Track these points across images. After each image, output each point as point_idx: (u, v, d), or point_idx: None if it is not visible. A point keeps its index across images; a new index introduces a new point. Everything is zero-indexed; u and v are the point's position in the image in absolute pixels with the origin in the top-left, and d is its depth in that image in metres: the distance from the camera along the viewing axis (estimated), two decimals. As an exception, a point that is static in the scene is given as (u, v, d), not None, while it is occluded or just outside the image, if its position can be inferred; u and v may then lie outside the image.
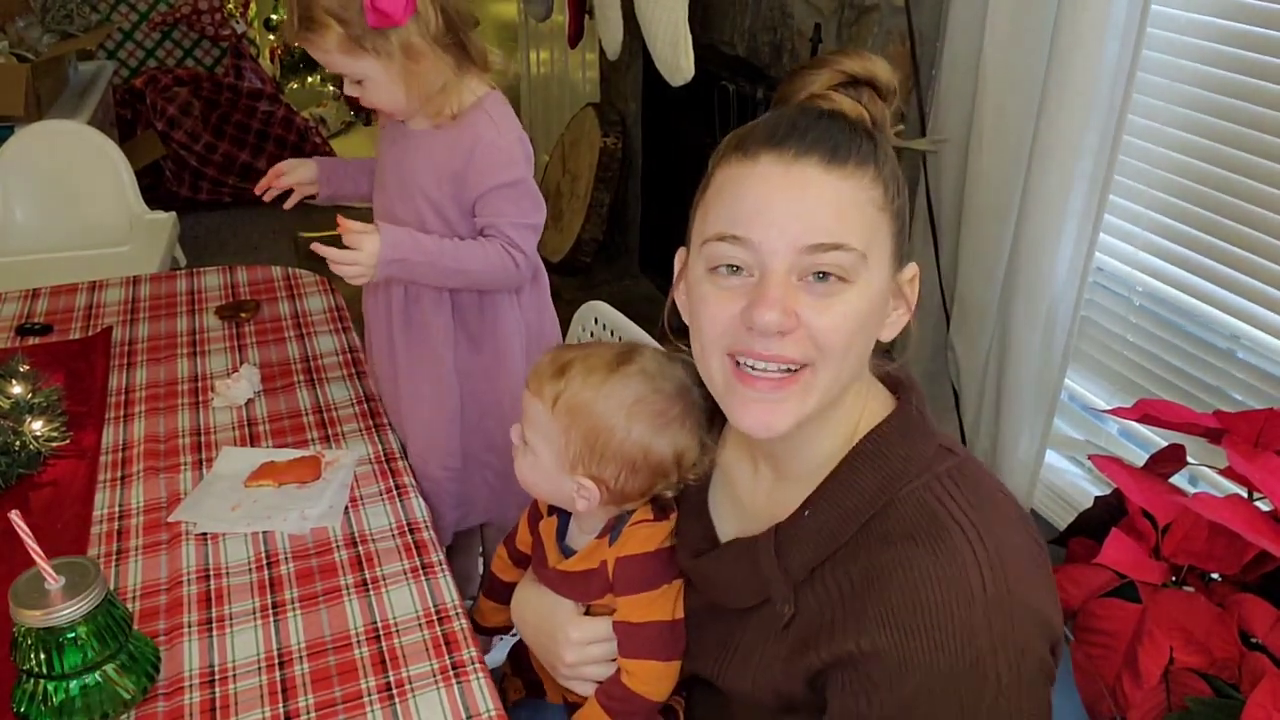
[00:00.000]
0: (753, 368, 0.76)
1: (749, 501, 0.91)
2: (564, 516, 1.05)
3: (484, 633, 1.20)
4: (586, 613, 1.01)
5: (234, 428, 1.47)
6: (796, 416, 0.78)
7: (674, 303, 0.87)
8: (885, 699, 0.74)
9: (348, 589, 1.16)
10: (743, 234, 0.74)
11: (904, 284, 0.81)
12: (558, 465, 0.96)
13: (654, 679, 0.96)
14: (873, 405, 0.84)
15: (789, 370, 0.76)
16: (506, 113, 1.41)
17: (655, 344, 1.56)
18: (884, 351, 0.86)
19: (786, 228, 0.73)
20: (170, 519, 1.27)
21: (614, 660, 0.99)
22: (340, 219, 1.30)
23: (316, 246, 1.29)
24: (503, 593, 1.17)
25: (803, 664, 0.80)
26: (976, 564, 0.73)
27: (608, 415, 0.93)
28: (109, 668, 0.95)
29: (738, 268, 0.76)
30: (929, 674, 0.72)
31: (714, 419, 0.94)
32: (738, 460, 0.93)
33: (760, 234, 0.74)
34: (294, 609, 1.13)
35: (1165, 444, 1.28)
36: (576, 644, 0.99)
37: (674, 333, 0.87)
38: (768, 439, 0.80)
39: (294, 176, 1.55)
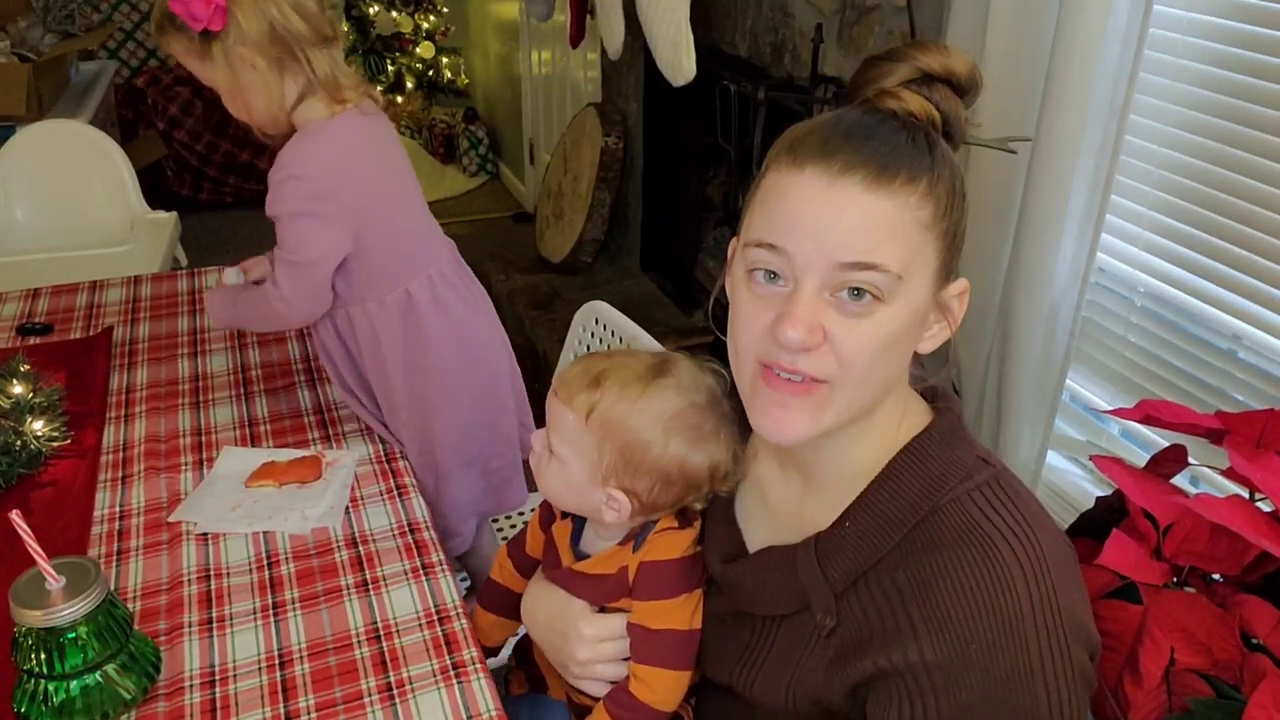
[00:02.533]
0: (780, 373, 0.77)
1: (780, 508, 0.91)
2: (579, 520, 1.04)
3: (487, 653, 1.16)
4: (600, 611, 1.00)
5: (235, 427, 1.47)
6: (811, 428, 0.78)
7: (722, 288, 0.87)
8: (941, 706, 0.73)
9: (348, 589, 1.16)
10: (780, 244, 0.74)
11: (950, 299, 0.79)
12: (589, 477, 0.94)
13: (664, 687, 0.95)
14: (912, 418, 0.84)
15: (810, 379, 0.76)
16: (307, 147, 1.36)
17: (657, 344, 1.56)
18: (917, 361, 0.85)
19: (822, 243, 0.73)
20: (171, 519, 1.27)
21: (627, 659, 0.98)
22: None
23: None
24: (506, 603, 1.15)
25: (846, 674, 0.79)
26: (1022, 572, 0.73)
27: (645, 429, 0.92)
28: (110, 668, 0.95)
29: (774, 274, 0.76)
30: (984, 681, 0.72)
31: (745, 428, 0.94)
32: (768, 466, 0.92)
33: (796, 246, 0.74)
34: (294, 609, 1.13)
35: (1166, 444, 1.28)
36: (589, 641, 0.98)
37: (717, 321, 0.87)
38: (784, 445, 0.81)
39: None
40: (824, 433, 0.78)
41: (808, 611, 0.84)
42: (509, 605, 1.15)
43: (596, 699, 1.01)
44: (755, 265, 0.76)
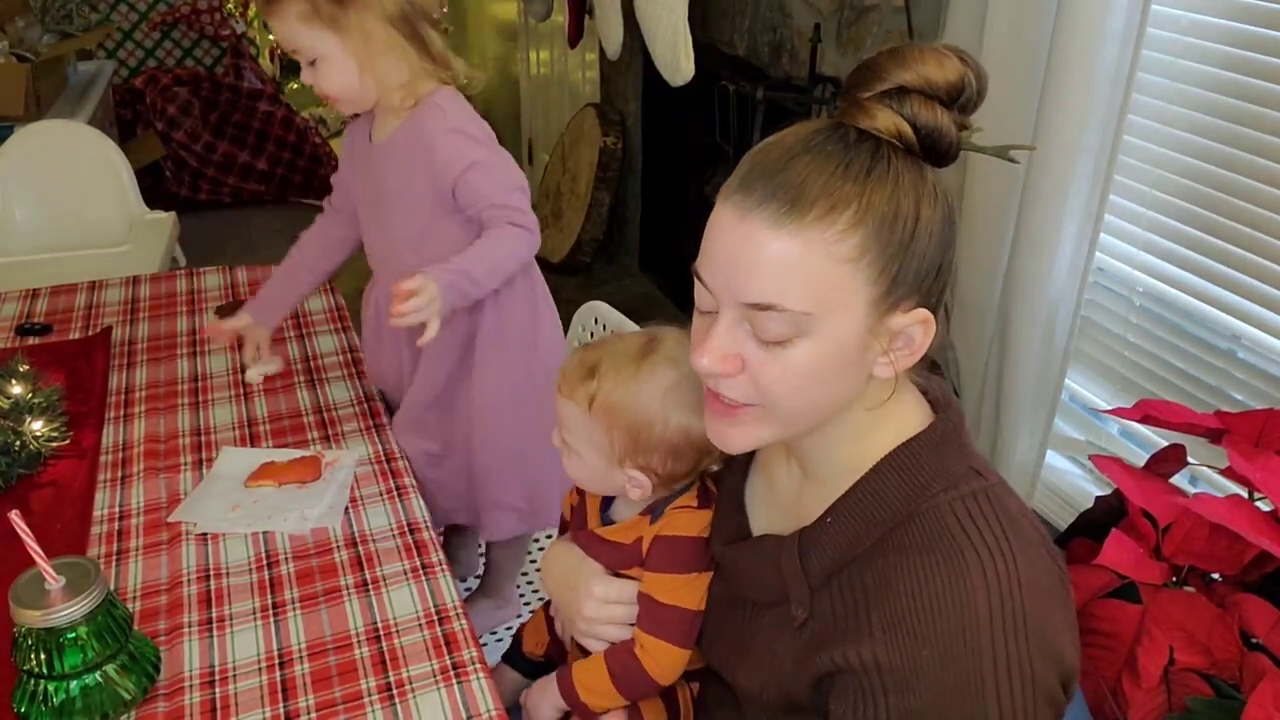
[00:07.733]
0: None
1: (781, 496, 0.92)
2: None
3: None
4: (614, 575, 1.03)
5: (234, 428, 1.47)
6: (754, 441, 0.80)
7: None
8: (891, 708, 0.74)
9: (348, 589, 1.16)
10: (703, 275, 0.76)
11: (906, 327, 0.75)
12: (605, 463, 0.98)
13: (666, 661, 0.97)
14: (912, 420, 0.83)
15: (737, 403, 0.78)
16: (455, 102, 1.41)
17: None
18: (929, 364, 0.85)
19: (730, 281, 0.73)
20: (170, 519, 1.27)
21: (632, 624, 1.00)
22: (396, 285, 1.25)
23: (396, 311, 1.24)
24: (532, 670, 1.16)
25: (812, 666, 0.80)
26: (985, 586, 0.73)
27: (645, 408, 0.95)
28: (109, 668, 0.95)
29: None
30: (935, 688, 0.72)
31: None
32: (775, 452, 0.94)
33: (711, 279, 0.75)
34: (294, 609, 1.13)
35: (1165, 444, 1.28)
36: (599, 599, 1.00)
37: None
38: (730, 452, 0.85)
39: (231, 325, 1.56)
40: (775, 443, 0.80)
41: (787, 602, 0.85)
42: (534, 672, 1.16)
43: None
44: (697, 294, 0.78)
